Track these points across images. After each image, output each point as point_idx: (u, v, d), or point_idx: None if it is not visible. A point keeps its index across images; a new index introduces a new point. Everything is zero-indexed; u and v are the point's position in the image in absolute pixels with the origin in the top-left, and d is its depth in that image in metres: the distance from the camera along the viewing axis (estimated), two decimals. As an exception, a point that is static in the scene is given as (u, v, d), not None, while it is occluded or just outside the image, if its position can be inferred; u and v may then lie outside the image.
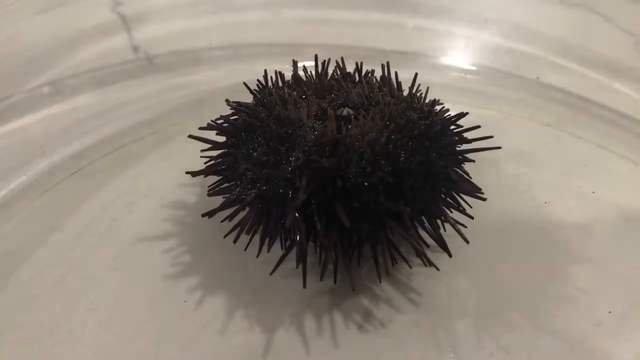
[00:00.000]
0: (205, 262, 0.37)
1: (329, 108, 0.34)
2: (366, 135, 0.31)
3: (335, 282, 0.34)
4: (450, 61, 0.56)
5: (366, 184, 0.30)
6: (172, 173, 0.42)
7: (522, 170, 0.43)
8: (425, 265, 0.35)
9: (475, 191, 0.34)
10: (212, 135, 0.36)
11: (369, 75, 0.39)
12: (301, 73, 0.39)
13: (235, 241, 0.34)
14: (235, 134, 0.34)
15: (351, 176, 0.30)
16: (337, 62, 0.39)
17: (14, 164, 0.43)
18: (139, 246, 0.38)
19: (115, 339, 0.33)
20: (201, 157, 0.37)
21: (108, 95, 0.50)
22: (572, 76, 0.53)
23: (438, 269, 0.35)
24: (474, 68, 0.55)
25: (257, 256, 0.35)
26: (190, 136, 0.35)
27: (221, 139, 0.36)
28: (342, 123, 0.33)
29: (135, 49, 0.55)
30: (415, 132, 0.32)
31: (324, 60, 0.39)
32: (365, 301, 0.34)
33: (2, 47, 0.53)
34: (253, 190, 0.32)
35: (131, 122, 0.47)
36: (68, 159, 0.44)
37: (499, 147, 0.36)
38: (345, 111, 0.34)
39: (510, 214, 0.40)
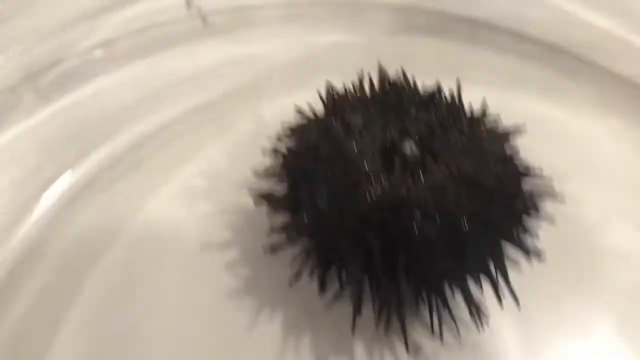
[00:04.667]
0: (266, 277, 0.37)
1: (395, 156, 0.32)
2: (432, 188, 0.30)
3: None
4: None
5: (427, 243, 0.30)
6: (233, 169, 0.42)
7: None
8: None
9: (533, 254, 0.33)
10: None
11: (437, 97, 0.36)
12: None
13: (292, 284, 0.34)
14: (297, 182, 0.33)
15: (413, 234, 0.30)
16: (402, 71, 0.37)
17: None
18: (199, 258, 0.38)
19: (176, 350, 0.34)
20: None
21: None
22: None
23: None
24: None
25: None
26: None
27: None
28: (407, 168, 0.32)
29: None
30: (486, 184, 0.31)
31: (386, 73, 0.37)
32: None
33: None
34: (314, 239, 0.32)
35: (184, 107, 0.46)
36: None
37: None
38: (408, 147, 0.33)
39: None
